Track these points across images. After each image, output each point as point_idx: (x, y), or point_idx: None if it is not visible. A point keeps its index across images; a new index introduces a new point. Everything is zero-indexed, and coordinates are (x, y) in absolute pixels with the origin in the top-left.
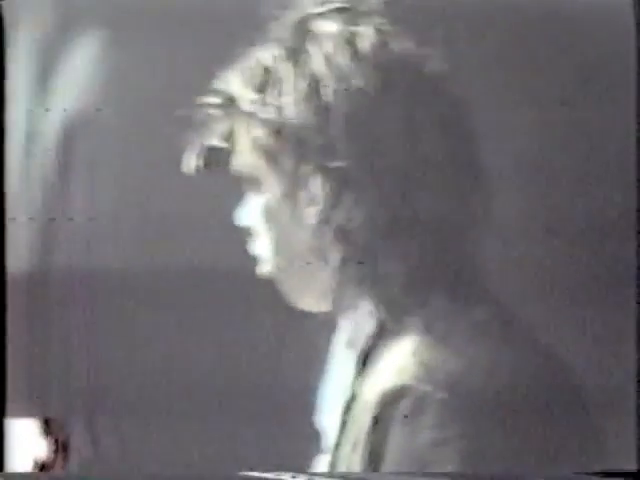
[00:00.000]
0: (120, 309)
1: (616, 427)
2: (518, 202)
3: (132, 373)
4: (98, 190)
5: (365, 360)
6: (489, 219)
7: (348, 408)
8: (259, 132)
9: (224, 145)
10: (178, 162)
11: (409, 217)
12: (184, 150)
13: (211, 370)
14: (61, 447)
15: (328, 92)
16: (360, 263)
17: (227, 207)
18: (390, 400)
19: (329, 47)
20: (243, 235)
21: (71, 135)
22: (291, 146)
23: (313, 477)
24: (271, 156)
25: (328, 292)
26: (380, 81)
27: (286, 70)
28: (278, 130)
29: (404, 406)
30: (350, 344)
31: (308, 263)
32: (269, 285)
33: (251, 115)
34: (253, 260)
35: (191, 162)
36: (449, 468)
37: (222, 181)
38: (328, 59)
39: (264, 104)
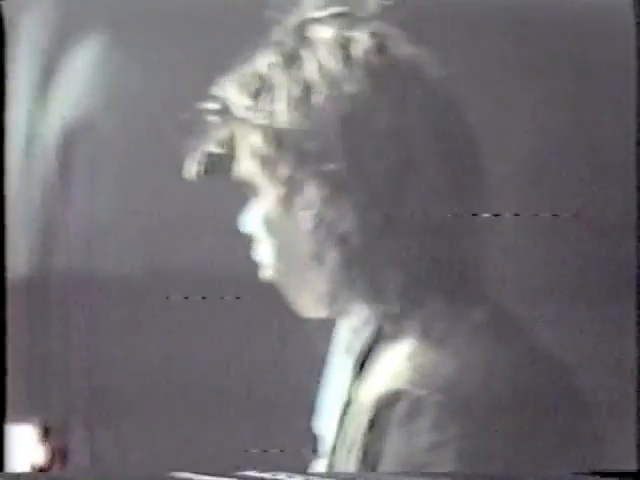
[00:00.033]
0: (120, 312)
1: (616, 427)
2: (517, 203)
3: (132, 376)
4: (98, 192)
5: (362, 364)
6: (487, 221)
7: (344, 412)
8: (255, 138)
9: (222, 152)
10: (179, 166)
11: (405, 220)
12: (185, 155)
13: (211, 373)
14: (59, 454)
15: (320, 98)
16: (356, 267)
17: (229, 211)
18: (385, 404)
19: (323, 53)
20: (245, 239)
21: (71, 138)
22: (285, 152)
23: (309, 477)
24: (267, 162)
25: (325, 296)
26: (373, 86)
27: (280, 76)
28: (272, 136)
29: (400, 410)
30: (348, 348)
31: (306, 268)
32: (271, 289)
33: (246, 121)
34: (255, 264)
35: (192, 168)
36: (446, 470)
37: (224, 186)
38: (321, 65)
39: (258, 110)
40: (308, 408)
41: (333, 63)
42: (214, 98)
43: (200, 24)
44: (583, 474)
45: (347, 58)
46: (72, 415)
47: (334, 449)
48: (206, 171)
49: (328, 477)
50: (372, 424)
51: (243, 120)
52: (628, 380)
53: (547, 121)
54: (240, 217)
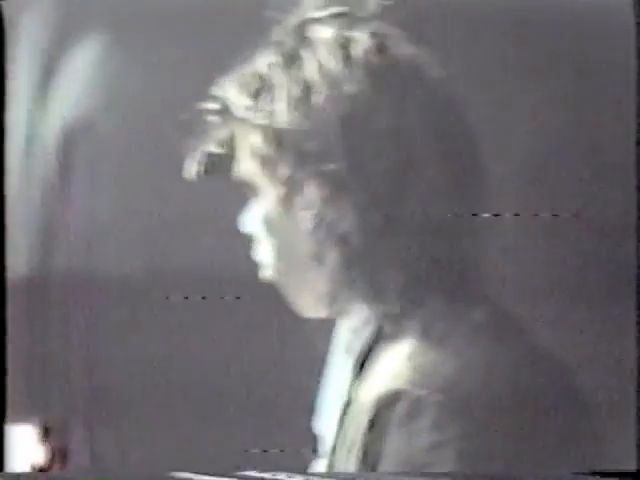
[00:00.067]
0: (120, 312)
1: (616, 427)
2: (517, 203)
3: (132, 376)
4: (98, 192)
5: (362, 364)
6: (487, 221)
7: (344, 412)
8: (255, 138)
9: (222, 152)
10: (179, 166)
11: (405, 220)
12: (185, 155)
13: (211, 372)
14: (59, 454)
15: (320, 98)
16: (356, 267)
17: (229, 211)
18: (385, 404)
19: (323, 53)
20: (245, 239)
21: (71, 138)
22: (285, 152)
23: (310, 477)
24: (267, 162)
25: (325, 296)
26: (373, 86)
27: (280, 76)
28: (272, 136)
29: (400, 410)
30: (348, 348)
31: (306, 268)
32: (271, 289)
33: (246, 121)
34: (255, 264)
35: (192, 168)
36: (446, 470)
37: (224, 186)
38: (321, 65)
39: (258, 110)
40: (308, 408)
41: (333, 63)
42: (214, 98)
43: (200, 24)
44: (583, 474)
45: (347, 58)
46: (72, 415)
47: (334, 449)
48: (206, 171)
49: (328, 477)
50: (372, 424)
51: (243, 120)
52: (628, 380)
53: (547, 121)
54: (240, 217)
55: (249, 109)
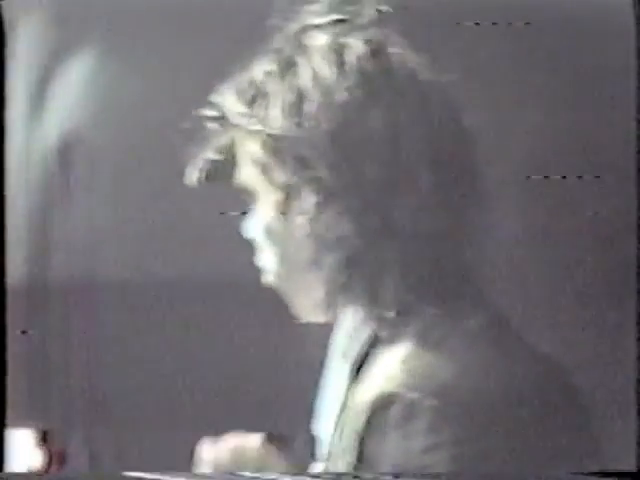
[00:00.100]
0: (120, 316)
1: (616, 427)
2: (515, 205)
3: (132, 382)
4: (99, 196)
5: (359, 369)
6: (485, 225)
7: (341, 415)
8: (252, 145)
9: (222, 158)
10: (179, 173)
11: (400, 226)
12: (186, 161)
13: (211, 377)
14: (57, 457)
15: (313, 105)
16: (351, 272)
17: (230, 217)
18: (378, 407)
19: (317, 59)
20: (245, 245)
21: (71, 143)
22: (280, 158)
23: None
24: (264, 168)
25: (322, 301)
26: (367, 92)
27: (275, 83)
28: (268, 143)
29: (393, 413)
30: (344, 353)
31: (304, 273)
32: (271, 294)
33: (243, 128)
34: (255, 269)
35: (193, 175)
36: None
37: (225, 192)
38: (315, 72)
39: (254, 117)
40: (307, 411)
41: (327, 70)
42: (212, 105)
43: (199, 32)
44: (583, 474)
45: (341, 65)
46: (71, 419)
47: (331, 452)
48: (207, 178)
49: (316, 477)
50: (366, 427)
51: (240, 127)
52: (628, 380)
53: (546, 121)
54: (242, 224)
55: (245, 116)
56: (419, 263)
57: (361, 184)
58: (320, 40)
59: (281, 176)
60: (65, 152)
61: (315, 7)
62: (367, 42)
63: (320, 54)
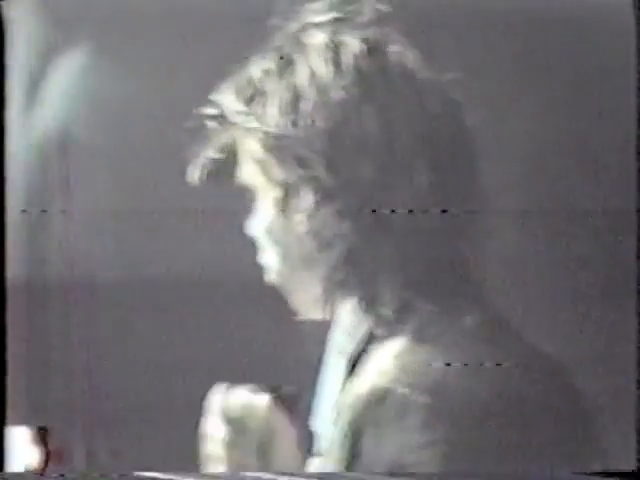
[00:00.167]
0: (120, 314)
1: (616, 427)
2: (512, 204)
3: (132, 381)
4: (98, 194)
5: (354, 365)
6: (483, 223)
7: (336, 411)
8: (251, 143)
9: (224, 157)
10: (180, 170)
11: (397, 224)
12: (186, 159)
13: (211, 376)
14: (54, 456)
15: (309, 104)
16: (348, 270)
17: (230, 215)
18: (371, 402)
19: (314, 58)
20: (246, 243)
21: (70, 143)
22: (279, 157)
23: (295, 477)
24: (263, 167)
25: (320, 298)
26: (363, 90)
27: (273, 82)
28: (266, 141)
29: (385, 408)
30: (341, 350)
31: (303, 270)
32: (270, 291)
33: (242, 126)
34: (255, 266)
35: (195, 173)
36: (433, 469)
37: (227, 191)
38: (312, 70)
39: (251, 115)
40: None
41: (323, 68)
42: (213, 104)
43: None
44: (583, 474)
45: (337, 63)
46: (70, 418)
47: (327, 447)
48: (209, 176)
49: (308, 477)
50: (359, 422)
51: (239, 125)
52: (628, 380)
53: (546, 121)
54: (244, 222)
55: (243, 114)
56: (416, 261)
57: (358, 182)
58: (318, 38)
59: (280, 174)
60: (65, 152)
61: (316, 5)
62: (364, 41)
63: (317, 52)
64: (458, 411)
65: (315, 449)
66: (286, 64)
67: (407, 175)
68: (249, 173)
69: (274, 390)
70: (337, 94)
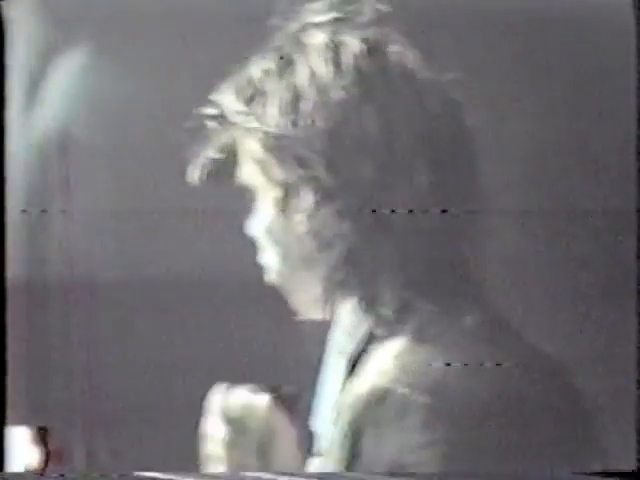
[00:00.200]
0: (120, 314)
1: (616, 427)
2: (513, 204)
3: (132, 381)
4: (98, 194)
5: (354, 365)
6: (483, 223)
7: (336, 411)
8: (251, 143)
9: (223, 157)
10: (181, 170)
11: (396, 224)
12: (186, 159)
13: (211, 375)
14: (54, 456)
15: (309, 104)
16: (348, 270)
17: (230, 215)
18: (371, 402)
19: (314, 58)
20: (246, 244)
21: (70, 143)
22: (278, 156)
23: (294, 477)
24: (263, 167)
25: (320, 298)
26: (363, 91)
27: (273, 82)
28: (266, 141)
29: (385, 408)
30: (341, 350)
31: (303, 270)
32: (270, 292)
33: (242, 126)
34: (255, 267)
35: (195, 173)
36: (427, 471)
37: (227, 191)
38: (312, 70)
39: (251, 115)
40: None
41: (323, 68)
42: (213, 104)
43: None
44: (583, 474)
45: (337, 63)
46: (70, 417)
47: (327, 447)
48: (209, 176)
49: (307, 477)
50: (359, 422)
51: (239, 125)
52: (628, 380)
53: (546, 121)
54: (245, 222)
55: (243, 114)
56: (416, 261)
57: (358, 182)
58: (318, 38)
59: (280, 174)
60: (65, 152)
61: (316, 5)
62: (364, 41)
63: (317, 52)
64: (458, 411)
65: (315, 449)
66: (286, 64)
67: (407, 175)
68: (249, 173)
69: (274, 390)
70: (337, 94)
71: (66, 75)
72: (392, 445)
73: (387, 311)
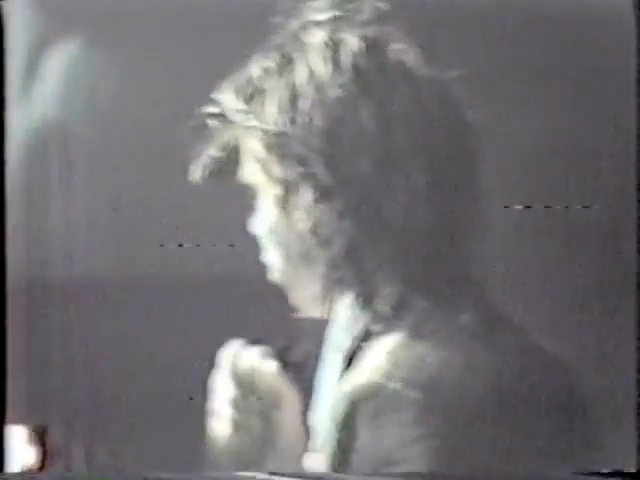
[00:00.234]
0: (120, 314)
1: (616, 427)
2: (513, 203)
3: (132, 380)
4: (98, 193)
5: (350, 361)
6: (482, 221)
7: (331, 407)
8: (252, 141)
9: (224, 155)
10: (182, 169)
11: (395, 221)
12: (187, 157)
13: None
14: (53, 456)
15: (307, 102)
16: (346, 267)
17: (231, 214)
18: (362, 398)
19: (313, 56)
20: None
21: (70, 141)
22: (278, 154)
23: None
24: (263, 165)
25: (318, 296)
26: (360, 89)
27: (272, 80)
28: (265, 139)
29: (377, 404)
30: (337, 346)
31: (302, 267)
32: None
33: (242, 125)
34: (259, 266)
35: (197, 171)
36: (419, 468)
37: (228, 189)
38: (310, 69)
39: (250, 114)
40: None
41: (322, 67)
42: (214, 102)
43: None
44: (583, 474)
45: (336, 61)
46: (70, 417)
47: (323, 443)
48: (211, 175)
49: (298, 477)
50: (352, 417)
51: (239, 124)
52: (628, 380)
53: (545, 121)
54: (247, 221)
55: (243, 112)
56: (414, 258)
57: (356, 180)
58: (317, 37)
59: (280, 172)
60: (65, 151)
61: (317, 4)
62: (363, 39)
63: (317, 51)
64: (452, 407)
65: (312, 445)
66: (286, 62)
67: (405, 173)
68: (250, 171)
69: (282, 356)
70: (335, 92)
71: (66, 75)
72: (385, 440)
73: (384, 307)
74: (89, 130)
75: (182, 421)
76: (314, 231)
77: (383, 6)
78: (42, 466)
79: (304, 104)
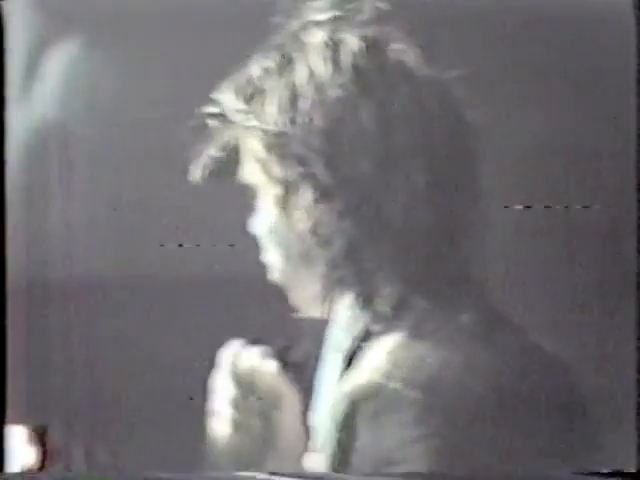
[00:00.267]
0: (120, 314)
1: (616, 427)
2: (513, 203)
3: (132, 380)
4: (98, 193)
5: (350, 361)
6: (482, 221)
7: (331, 407)
8: (252, 141)
9: (224, 155)
10: (182, 169)
11: (395, 221)
12: (187, 157)
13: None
14: (53, 456)
15: (307, 102)
16: (346, 267)
17: (231, 215)
18: (362, 398)
19: (313, 56)
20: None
21: (70, 141)
22: (278, 155)
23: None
24: (263, 165)
25: (318, 296)
26: (360, 89)
27: (272, 80)
28: (265, 139)
29: (377, 404)
30: (337, 346)
31: (302, 268)
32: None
33: (242, 125)
34: (260, 266)
35: (197, 172)
36: (419, 468)
37: (228, 189)
38: (310, 69)
39: (250, 114)
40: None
41: (322, 67)
42: (214, 102)
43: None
44: (583, 474)
45: (336, 61)
46: (70, 417)
47: (323, 443)
48: (211, 175)
49: (298, 477)
50: (351, 417)
51: (239, 124)
52: (628, 380)
53: (545, 121)
54: (247, 221)
55: (242, 112)
56: (414, 258)
57: (356, 180)
58: (317, 37)
59: (279, 172)
60: (65, 151)
61: (317, 4)
62: (363, 39)
63: (317, 51)
64: (452, 407)
65: (312, 445)
66: (286, 62)
67: (405, 173)
68: (250, 171)
69: (282, 356)
70: (335, 92)
71: (65, 75)
72: (385, 440)
73: (384, 307)
74: (89, 130)
75: (182, 421)
76: (314, 231)
77: (383, 6)
78: (42, 466)
79: (304, 104)
